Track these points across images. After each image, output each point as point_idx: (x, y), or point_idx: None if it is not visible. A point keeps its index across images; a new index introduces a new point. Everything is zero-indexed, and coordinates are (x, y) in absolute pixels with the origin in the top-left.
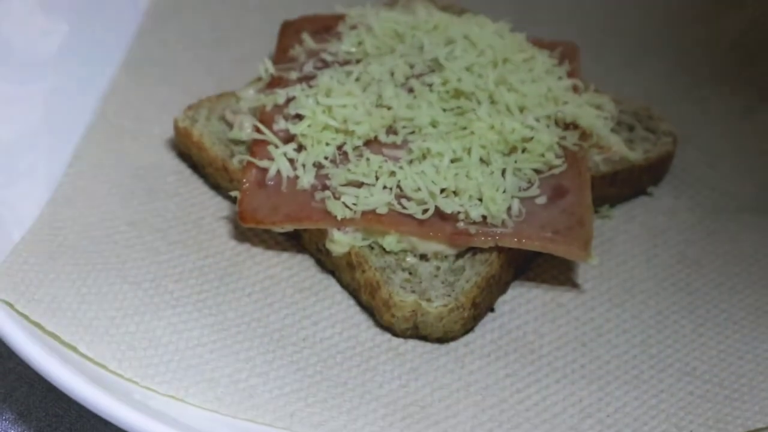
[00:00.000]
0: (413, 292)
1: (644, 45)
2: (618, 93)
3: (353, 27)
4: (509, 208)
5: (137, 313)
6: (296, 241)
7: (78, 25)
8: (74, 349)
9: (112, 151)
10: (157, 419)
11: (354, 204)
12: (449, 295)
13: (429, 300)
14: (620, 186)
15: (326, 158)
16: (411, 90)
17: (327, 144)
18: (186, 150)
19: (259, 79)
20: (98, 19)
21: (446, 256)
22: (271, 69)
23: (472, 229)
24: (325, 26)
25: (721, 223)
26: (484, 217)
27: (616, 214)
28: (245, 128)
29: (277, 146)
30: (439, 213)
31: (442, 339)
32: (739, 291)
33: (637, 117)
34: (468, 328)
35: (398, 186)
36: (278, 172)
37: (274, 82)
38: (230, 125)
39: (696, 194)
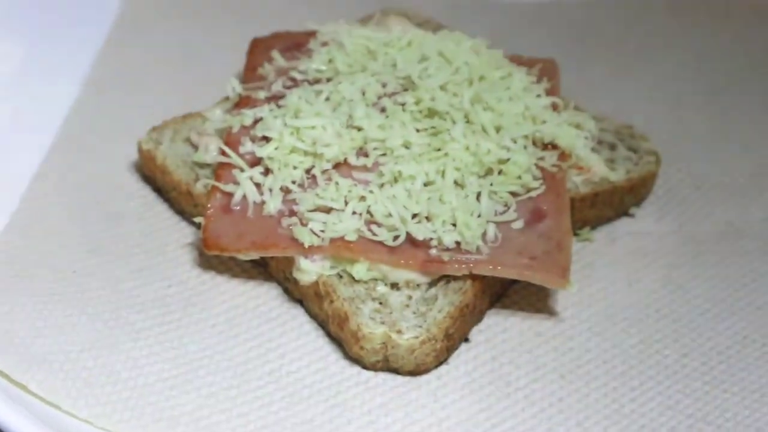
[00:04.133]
0: (383, 323)
1: (626, 62)
2: (599, 111)
3: (324, 44)
4: (484, 234)
5: (95, 347)
6: (263, 269)
7: (39, 44)
8: (24, 388)
9: (73, 174)
10: None
11: (322, 231)
12: (421, 326)
13: (400, 332)
14: (601, 207)
15: (294, 182)
16: (383, 110)
17: (294, 167)
18: (150, 173)
19: (227, 98)
20: (60, 37)
21: (418, 285)
22: (239, 88)
23: (446, 256)
24: (296, 43)
25: (706, 246)
26: (458, 244)
27: (597, 237)
28: (210, 151)
29: (242, 170)
30: (410, 239)
31: (414, 372)
32: (725, 318)
33: (618, 136)
34: (441, 360)
35: (368, 211)
36: (244, 196)
37: (242, 102)
38: (195, 147)
39: (680, 216)
